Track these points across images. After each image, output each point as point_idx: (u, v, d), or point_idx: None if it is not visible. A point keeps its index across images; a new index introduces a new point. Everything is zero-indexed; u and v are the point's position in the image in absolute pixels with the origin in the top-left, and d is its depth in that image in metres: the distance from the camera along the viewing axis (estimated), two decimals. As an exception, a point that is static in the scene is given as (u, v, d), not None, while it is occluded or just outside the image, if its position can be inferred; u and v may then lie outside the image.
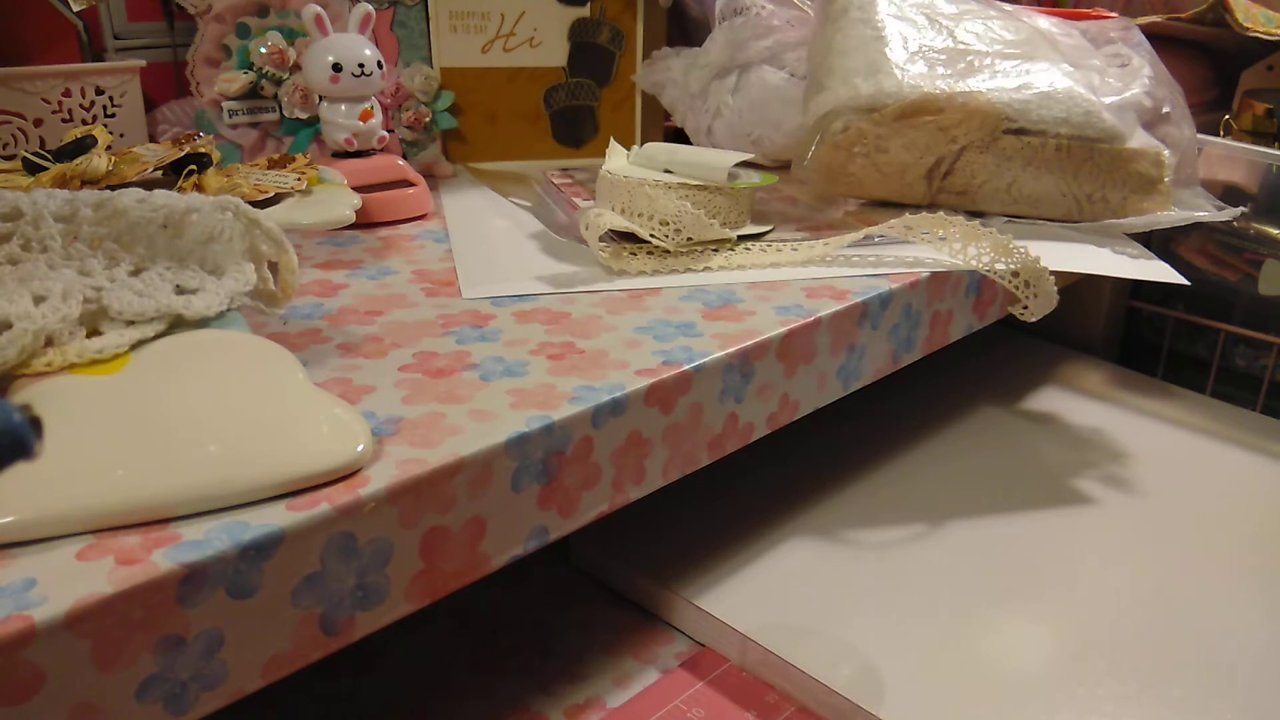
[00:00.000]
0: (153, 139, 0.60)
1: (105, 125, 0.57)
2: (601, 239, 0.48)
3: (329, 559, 0.29)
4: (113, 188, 0.40)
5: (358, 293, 0.45)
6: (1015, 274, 0.50)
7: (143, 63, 0.59)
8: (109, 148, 0.48)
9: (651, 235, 0.49)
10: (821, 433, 0.62)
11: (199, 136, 0.52)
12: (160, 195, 0.35)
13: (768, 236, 0.53)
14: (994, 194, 0.57)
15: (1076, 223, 0.58)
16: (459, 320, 0.42)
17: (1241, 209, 0.61)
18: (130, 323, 0.33)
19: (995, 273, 0.50)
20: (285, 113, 0.59)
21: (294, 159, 0.52)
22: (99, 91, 0.57)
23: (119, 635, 0.25)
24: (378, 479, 0.30)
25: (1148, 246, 0.57)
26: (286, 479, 0.29)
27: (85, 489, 0.28)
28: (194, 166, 0.49)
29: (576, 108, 0.71)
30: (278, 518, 0.28)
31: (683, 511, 0.54)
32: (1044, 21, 0.65)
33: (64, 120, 0.56)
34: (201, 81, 0.58)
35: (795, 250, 0.51)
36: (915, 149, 0.55)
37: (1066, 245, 0.55)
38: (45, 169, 0.46)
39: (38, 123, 0.55)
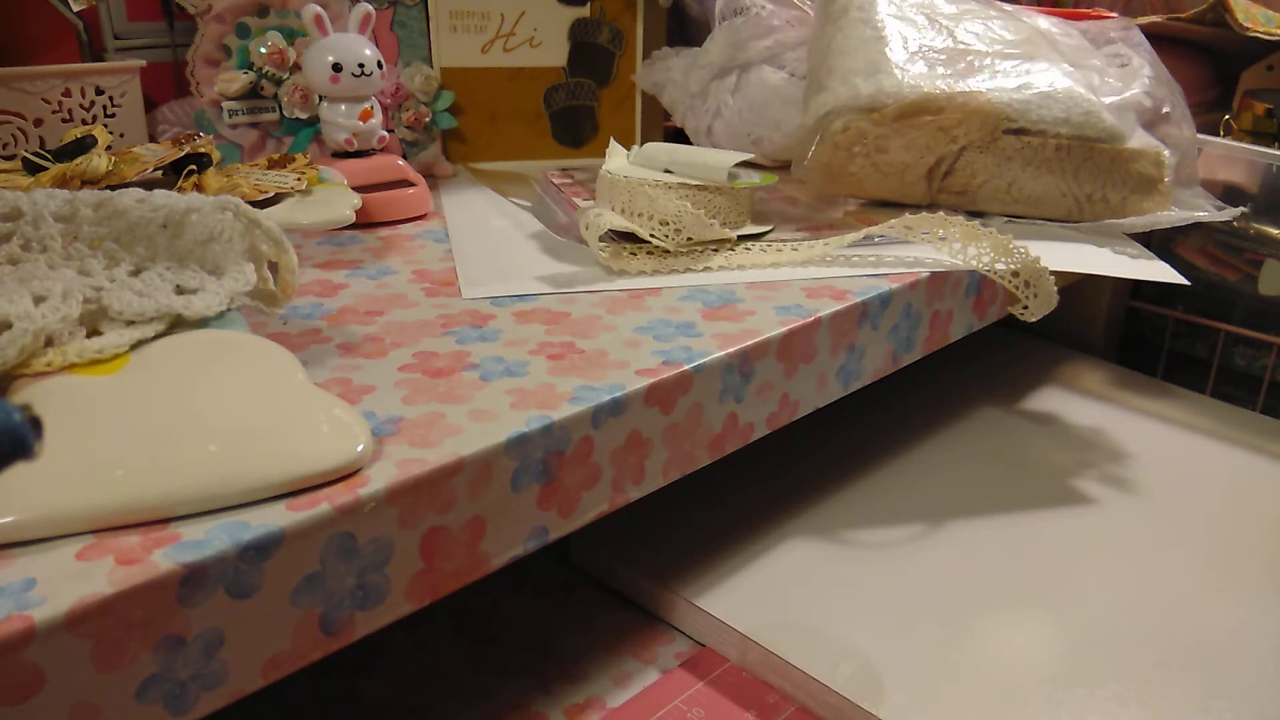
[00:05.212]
0: (153, 139, 0.60)
1: (105, 125, 0.57)
2: (601, 239, 0.48)
3: (329, 559, 0.29)
4: (113, 188, 0.40)
5: (358, 293, 0.45)
6: (1015, 274, 0.50)
7: (143, 63, 0.59)
8: (109, 148, 0.48)
9: (651, 235, 0.49)
10: (821, 433, 0.62)
11: (199, 136, 0.52)
12: (160, 195, 0.35)
13: (768, 236, 0.53)
14: (994, 194, 0.57)
15: (1076, 223, 0.58)
16: (459, 320, 0.42)
17: (1241, 209, 0.61)
18: (130, 323, 0.33)
19: (995, 273, 0.50)
20: (285, 113, 0.59)
21: (294, 159, 0.52)
22: (99, 91, 0.57)
23: (119, 635, 0.25)
24: (378, 479, 0.30)
25: (1148, 246, 0.57)
26: (286, 479, 0.29)
27: (85, 489, 0.28)
28: (194, 166, 0.49)
29: (576, 108, 0.71)
30: (278, 518, 0.28)
31: (682, 511, 0.54)
32: (1044, 21, 0.65)
33: (64, 120, 0.56)
34: (201, 81, 0.58)
35: (795, 250, 0.51)
36: (915, 149, 0.55)
37: (1066, 245, 0.55)
38: (45, 169, 0.46)
39: (38, 123, 0.55)
